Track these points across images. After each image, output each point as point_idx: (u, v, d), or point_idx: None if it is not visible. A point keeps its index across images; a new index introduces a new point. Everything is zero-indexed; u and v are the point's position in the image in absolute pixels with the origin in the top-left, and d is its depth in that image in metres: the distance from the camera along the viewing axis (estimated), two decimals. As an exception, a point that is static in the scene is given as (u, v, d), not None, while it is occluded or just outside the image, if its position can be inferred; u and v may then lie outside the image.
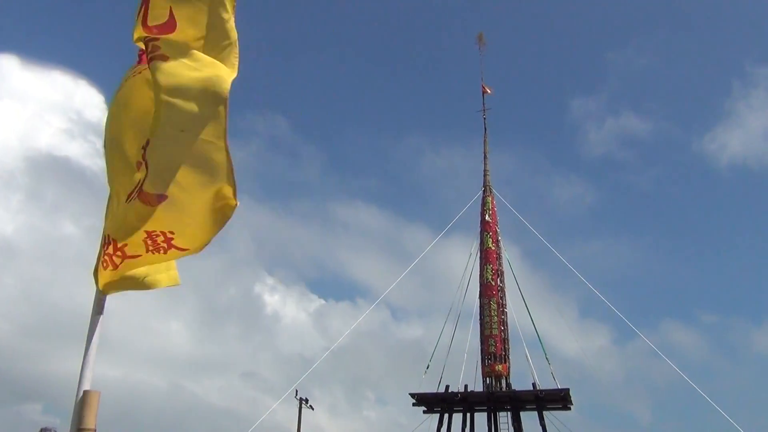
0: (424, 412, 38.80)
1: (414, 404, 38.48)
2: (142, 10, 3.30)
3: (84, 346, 3.12)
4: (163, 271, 3.53)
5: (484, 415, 37.94)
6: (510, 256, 42.64)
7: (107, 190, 3.40)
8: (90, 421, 2.95)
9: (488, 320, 39.09)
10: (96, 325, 3.17)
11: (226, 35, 3.30)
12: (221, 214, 3.10)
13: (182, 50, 3.19)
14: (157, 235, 3.13)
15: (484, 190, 43.38)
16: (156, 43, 3.19)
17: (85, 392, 3.00)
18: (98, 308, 3.25)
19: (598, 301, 55.79)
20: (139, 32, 3.33)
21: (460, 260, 42.51)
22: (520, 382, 38.51)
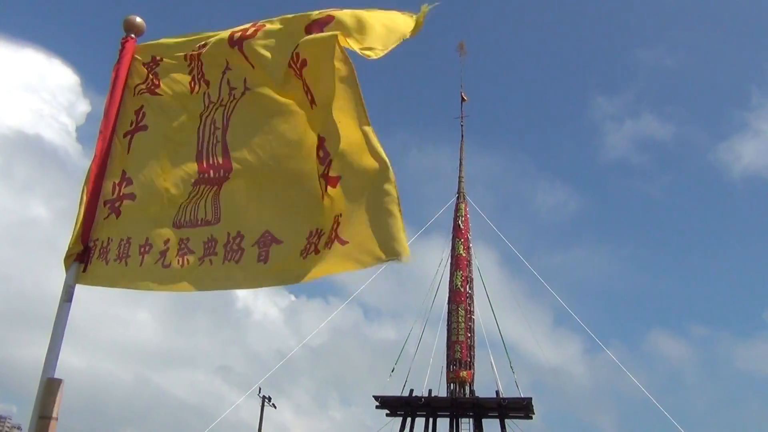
0: (387, 415, 38.85)
1: (377, 407, 38.52)
2: None
3: (50, 332, 3.06)
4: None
5: (447, 420, 38.13)
6: (488, 262, 42.96)
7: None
8: (52, 410, 2.90)
9: (455, 326, 39.24)
10: (64, 313, 3.12)
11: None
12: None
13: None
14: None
15: (458, 197, 43.54)
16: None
17: (49, 380, 2.95)
18: (67, 295, 3.19)
19: (572, 309, 56.36)
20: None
21: (436, 263, 42.54)
22: (486, 390, 38.77)
